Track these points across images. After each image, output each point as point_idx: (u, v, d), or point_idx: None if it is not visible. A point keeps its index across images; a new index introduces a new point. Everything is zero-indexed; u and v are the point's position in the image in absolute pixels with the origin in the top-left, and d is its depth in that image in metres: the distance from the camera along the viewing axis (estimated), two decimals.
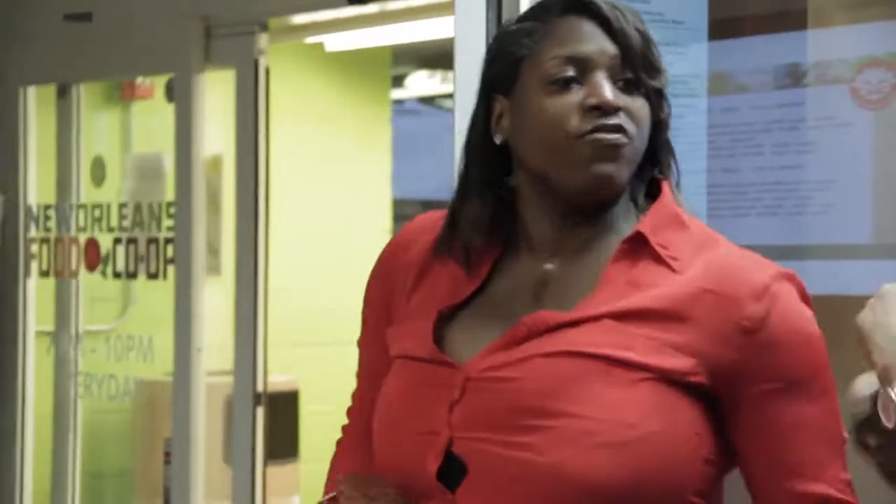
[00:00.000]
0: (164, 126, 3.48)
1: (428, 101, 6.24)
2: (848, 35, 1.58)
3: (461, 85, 1.44)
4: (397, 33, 3.87)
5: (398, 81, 5.57)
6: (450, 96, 3.16)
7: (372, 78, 4.73)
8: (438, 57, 4.93)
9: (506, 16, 1.44)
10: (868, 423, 0.77)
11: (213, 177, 3.57)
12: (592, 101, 0.95)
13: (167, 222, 3.43)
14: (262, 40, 3.17)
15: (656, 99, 1.00)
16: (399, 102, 5.73)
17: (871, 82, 1.47)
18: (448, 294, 1.03)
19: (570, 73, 0.97)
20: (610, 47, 0.98)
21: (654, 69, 1.00)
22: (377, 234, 4.32)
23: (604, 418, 0.88)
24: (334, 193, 4.36)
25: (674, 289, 0.94)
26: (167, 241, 3.41)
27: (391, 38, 4.13)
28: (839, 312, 1.07)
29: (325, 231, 4.29)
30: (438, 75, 5.66)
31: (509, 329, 0.96)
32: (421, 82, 5.80)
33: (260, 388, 3.10)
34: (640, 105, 0.98)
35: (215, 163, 3.59)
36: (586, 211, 0.99)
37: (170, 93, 3.52)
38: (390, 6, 3.38)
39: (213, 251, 3.59)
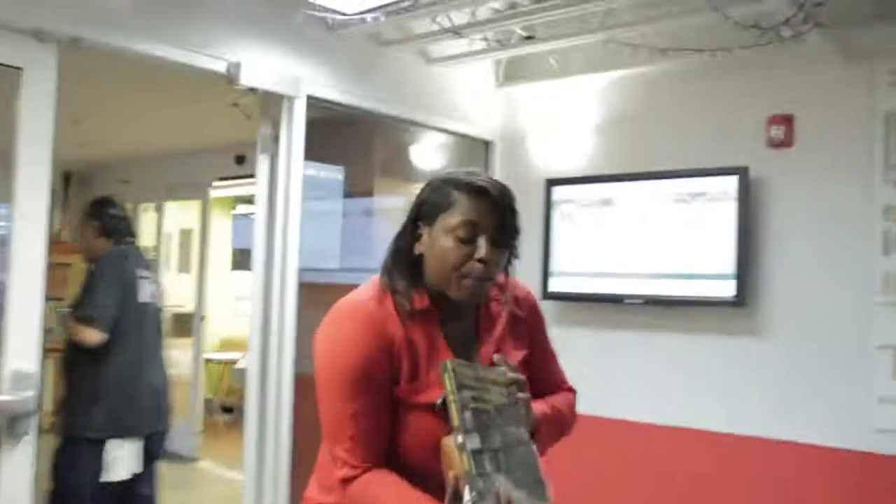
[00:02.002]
0: None
1: None
2: None
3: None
4: None
5: None
6: None
7: None
8: None
9: None
10: None
11: None
12: (477, 256, 1.52)
13: None
14: None
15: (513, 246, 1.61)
16: None
17: None
18: (433, 355, 1.57)
19: (469, 232, 1.52)
20: (495, 220, 1.54)
21: (516, 232, 1.59)
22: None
23: None
24: None
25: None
26: None
27: None
28: None
29: None
30: None
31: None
32: None
33: None
34: (502, 255, 1.57)
35: None
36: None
37: None
38: None
39: None
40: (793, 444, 3.19)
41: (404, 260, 1.60)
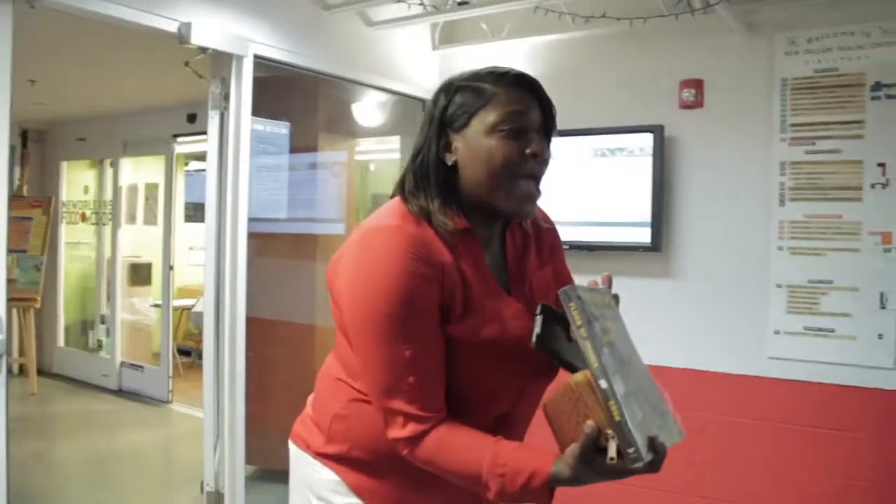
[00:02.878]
0: None
1: None
2: None
3: None
4: None
5: None
6: None
7: None
8: None
9: None
10: None
11: None
12: (530, 151, 1.34)
13: None
14: None
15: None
16: None
17: None
18: (484, 285, 1.37)
19: (517, 123, 1.33)
20: (539, 115, 1.38)
21: (555, 128, 1.42)
22: None
23: None
24: None
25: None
26: None
27: None
28: None
29: None
30: None
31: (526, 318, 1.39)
32: None
33: None
34: (548, 151, 1.40)
35: None
36: (505, 218, 1.44)
37: None
38: None
39: None
40: (696, 371, 3.49)
41: (433, 175, 1.37)
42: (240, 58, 3.30)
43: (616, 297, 1.38)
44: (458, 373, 1.34)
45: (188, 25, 3.05)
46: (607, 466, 1.15)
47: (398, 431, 1.31)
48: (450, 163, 1.37)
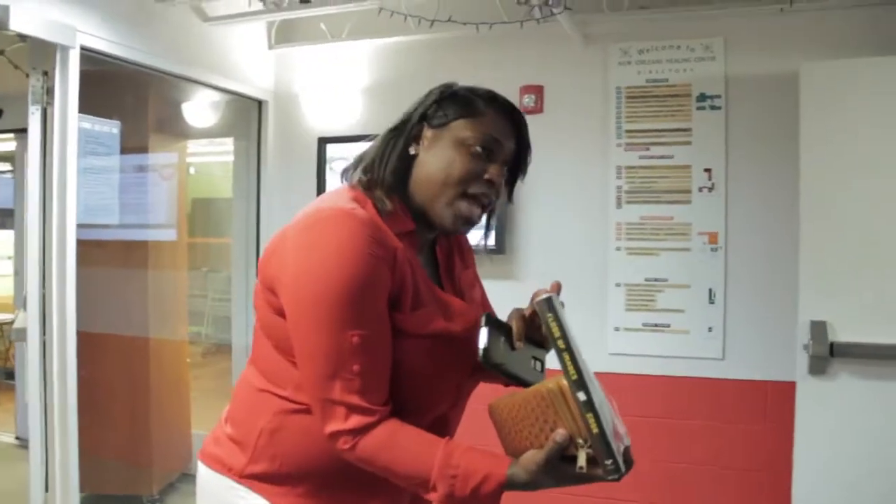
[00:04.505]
0: None
1: None
2: None
3: None
4: None
5: None
6: None
7: None
8: None
9: None
10: None
11: None
12: (488, 176, 1.30)
13: None
14: None
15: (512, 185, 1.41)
16: None
17: None
18: (422, 278, 1.30)
19: (486, 148, 1.29)
20: (513, 148, 1.34)
21: (525, 172, 1.40)
22: None
23: None
24: None
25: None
26: None
27: None
28: None
29: None
30: None
31: (473, 314, 1.38)
32: None
33: None
34: (504, 188, 1.37)
35: None
36: (433, 230, 1.36)
37: None
38: None
39: None
40: None
41: (393, 156, 1.32)
42: (65, 48, 2.91)
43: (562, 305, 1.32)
44: (401, 368, 1.26)
45: (6, 9, 2.63)
46: (572, 474, 1.13)
47: (339, 423, 1.19)
48: (413, 153, 1.33)
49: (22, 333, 2.95)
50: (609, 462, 1.09)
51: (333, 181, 3.82)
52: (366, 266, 1.18)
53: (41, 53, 2.91)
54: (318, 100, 3.89)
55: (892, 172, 2.87)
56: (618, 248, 3.42)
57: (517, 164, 1.38)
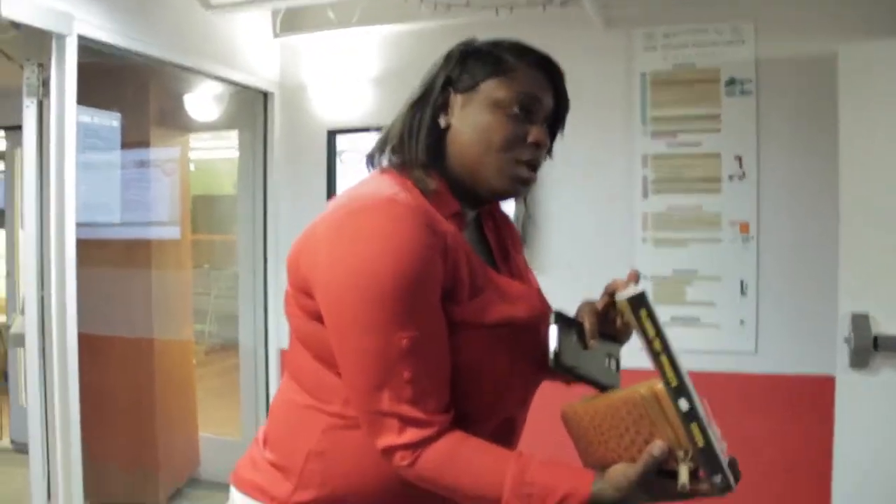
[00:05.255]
0: None
1: None
2: None
3: None
4: None
5: None
6: None
7: None
8: None
9: None
10: None
11: None
12: (531, 139, 1.16)
13: None
14: None
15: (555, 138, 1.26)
16: None
17: None
18: (474, 263, 1.14)
19: (526, 108, 1.15)
20: (551, 104, 1.20)
21: (563, 127, 1.26)
22: None
23: None
24: None
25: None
26: None
27: None
28: None
29: None
30: None
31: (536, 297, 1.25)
32: None
33: None
34: (549, 143, 1.23)
35: None
36: (481, 202, 1.23)
37: None
38: None
39: None
40: None
41: (423, 131, 1.17)
42: (61, 37, 2.70)
43: None
44: (462, 367, 1.10)
45: None
46: (671, 492, 1.00)
47: (393, 438, 1.04)
48: (444, 124, 1.18)
49: (20, 339, 2.76)
50: (718, 478, 0.98)
51: (344, 174, 3.62)
52: (416, 257, 1.02)
53: (36, 43, 2.70)
54: (326, 90, 3.69)
55: None
56: (644, 240, 3.24)
57: (556, 119, 1.24)
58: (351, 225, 1.05)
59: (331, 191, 3.64)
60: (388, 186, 1.10)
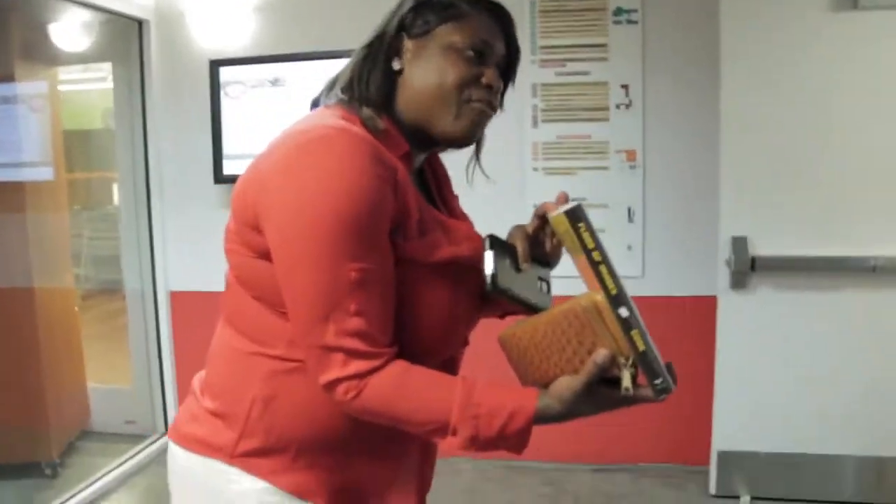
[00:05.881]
0: None
1: None
2: None
3: None
4: None
5: None
6: None
7: None
8: None
9: None
10: None
11: None
12: (485, 80, 1.14)
13: None
14: None
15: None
16: None
17: None
18: (422, 203, 1.14)
19: (478, 51, 1.14)
20: (503, 50, 1.19)
21: (514, 76, 1.25)
22: None
23: None
24: None
25: None
26: None
27: None
28: None
29: None
30: None
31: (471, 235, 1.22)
32: None
33: None
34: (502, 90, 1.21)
35: None
36: (434, 145, 1.21)
37: None
38: None
39: None
40: None
41: (375, 73, 1.16)
42: None
43: None
44: (409, 306, 1.09)
45: None
46: (616, 398, 1.02)
47: (338, 371, 1.02)
48: (397, 67, 1.16)
49: None
50: (659, 381, 1.01)
51: (230, 107, 3.46)
52: (368, 188, 1.01)
53: None
54: (206, 18, 3.48)
55: (811, 86, 2.82)
56: (535, 169, 3.27)
57: (508, 67, 1.23)
58: (300, 156, 1.03)
59: (216, 125, 3.46)
60: (337, 119, 1.09)
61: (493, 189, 3.15)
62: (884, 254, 2.81)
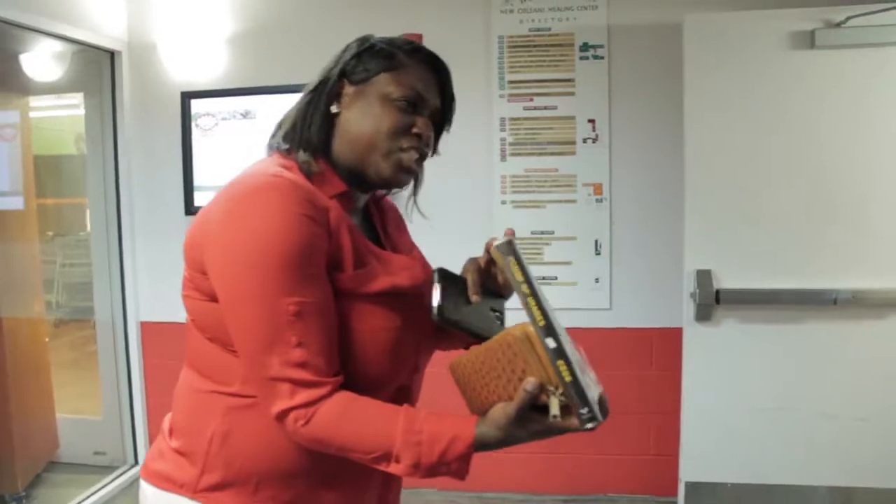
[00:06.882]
0: None
1: None
2: None
3: None
4: None
5: None
6: None
7: None
8: None
9: None
10: None
11: None
12: (416, 129, 1.21)
13: None
14: None
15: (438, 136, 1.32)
16: None
17: None
18: (358, 238, 1.19)
19: (412, 102, 1.21)
20: (438, 102, 1.27)
21: (450, 123, 1.32)
22: None
23: None
24: None
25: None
26: None
27: None
28: None
29: None
30: None
31: (419, 268, 1.28)
32: None
33: None
34: (433, 139, 1.27)
35: None
36: (370, 187, 1.26)
37: None
38: None
39: None
40: None
41: (316, 117, 1.22)
42: None
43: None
44: (352, 337, 1.14)
45: None
46: (546, 425, 1.04)
47: (286, 401, 1.07)
48: (335, 111, 1.23)
49: None
50: (585, 411, 1.02)
51: (201, 139, 3.45)
52: (300, 228, 1.07)
53: None
54: (178, 50, 3.49)
55: (774, 123, 2.85)
56: (503, 202, 3.28)
57: (442, 116, 1.30)
58: (238, 203, 1.09)
59: (186, 157, 3.46)
60: (272, 166, 1.15)
61: (462, 222, 3.24)
62: (845, 286, 2.84)
